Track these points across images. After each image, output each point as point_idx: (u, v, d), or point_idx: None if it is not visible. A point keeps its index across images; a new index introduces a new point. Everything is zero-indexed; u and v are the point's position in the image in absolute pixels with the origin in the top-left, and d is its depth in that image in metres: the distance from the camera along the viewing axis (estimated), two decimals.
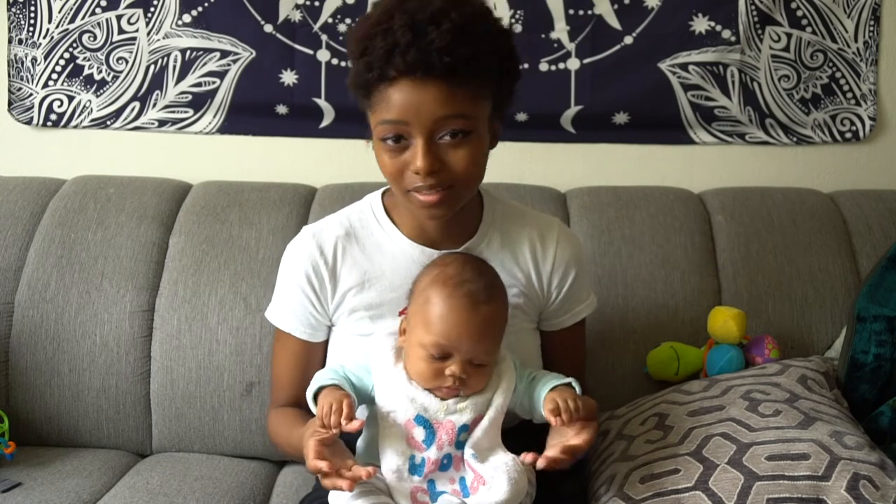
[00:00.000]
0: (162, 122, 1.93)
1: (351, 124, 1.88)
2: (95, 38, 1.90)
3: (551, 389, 1.13)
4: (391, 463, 1.09)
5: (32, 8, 1.90)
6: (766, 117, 1.90)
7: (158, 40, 1.89)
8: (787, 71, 1.89)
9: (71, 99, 1.92)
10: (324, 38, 1.88)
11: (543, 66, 1.88)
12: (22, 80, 1.92)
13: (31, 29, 1.90)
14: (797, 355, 1.50)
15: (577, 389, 1.14)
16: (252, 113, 1.91)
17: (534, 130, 1.90)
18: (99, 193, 1.71)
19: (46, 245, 1.63)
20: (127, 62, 1.90)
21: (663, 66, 1.88)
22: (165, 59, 1.90)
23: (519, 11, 1.87)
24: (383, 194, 1.29)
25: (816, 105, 1.90)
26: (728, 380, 1.36)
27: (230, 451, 1.59)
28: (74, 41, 1.90)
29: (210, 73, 1.90)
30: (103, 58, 1.90)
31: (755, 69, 1.89)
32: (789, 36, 1.88)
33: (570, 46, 1.88)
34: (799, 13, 1.88)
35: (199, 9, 1.87)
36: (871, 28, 1.88)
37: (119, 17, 1.89)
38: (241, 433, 1.57)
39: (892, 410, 1.35)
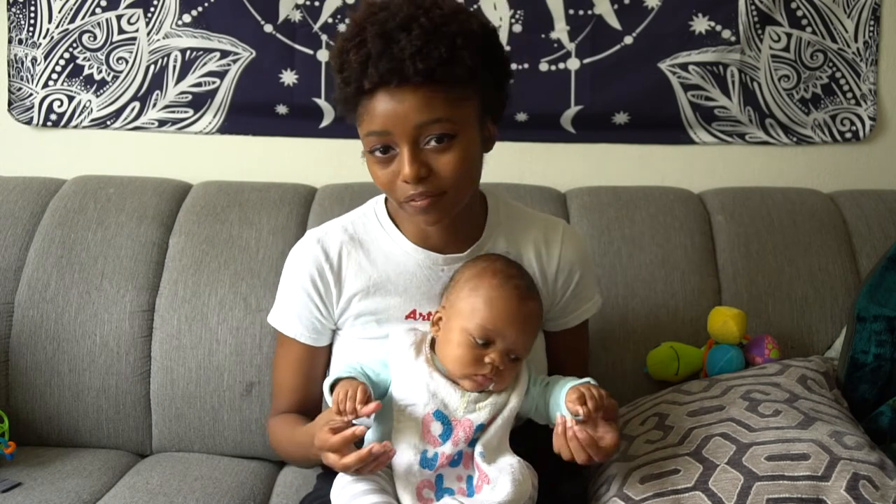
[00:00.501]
0: (162, 122, 1.93)
1: (351, 124, 1.88)
2: (95, 38, 1.90)
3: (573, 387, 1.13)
4: (404, 456, 1.09)
5: (32, 8, 1.90)
6: (766, 117, 1.90)
7: (158, 40, 1.89)
8: (787, 71, 1.89)
9: (71, 99, 1.92)
10: (324, 38, 1.88)
11: (543, 66, 1.88)
12: (22, 80, 1.92)
13: (31, 29, 1.90)
14: (797, 355, 1.50)
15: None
16: (252, 113, 1.91)
17: (534, 130, 1.90)
18: (99, 193, 1.71)
19: (46, 245, 1.63)
20: (127, 62, 1.91)
21: (663, 66, 1.88)
22: (165, 59, 1.90)
23: (519, 11, 1.87)
24: (386, 199, 1.28)
25: (816, 105, 1.90)
26: (728, 380, 1.36)
27: (230, 451, 1.59)
28: (74, 41, 1.90)
29: (210, 73, 1.90)
30: (103, 58, 1.91)
31: (755, 69, 1.89)
32: (789, 36, 1.88)
33: (570, 46, 1.88)
34: (799, 13, 1.88)
35: (199, 9, 1.87)
36: (871, 28, 1.88)
37: (119, 17, 1.89)
38: (241, 433, 1.57)
39: (892, 410, 1.35)
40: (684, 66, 1.88)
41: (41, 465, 1.48)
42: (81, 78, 1.91)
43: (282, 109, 1.91)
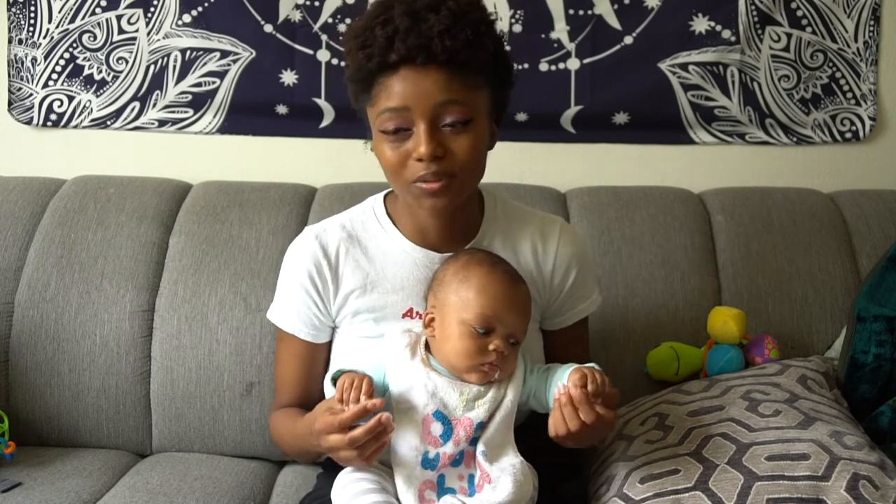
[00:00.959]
0: (162, 122, 1.93)
1: (351, 124, 1.87)
2: (95, 38, 1.90)
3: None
4: (404, 459, 1.09)
5: (32, 8, 1.90)
6: (766, 117, 1.90)
7: (158, 40, 1.89)
8: (787, 71, 1.89)
9: (71, 99, 1.92)
10: (324, 38, 1.88)
11: (543, 66, 1.88)
12: (22, 80, 1.92)
13: (31, 29, 1.90)
14: (797, 355, 1.50)
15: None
16: (252, 113, 1.91)
17: (534, 130, 1.90)
18: (99, 193, 1.71)
19: (46, 245, 1.63)
20: (127, 62, 1.91)
21: (663, 66, 1.88)
22: (165, 59, 1.90)
23: (519, 11, 1.87)
24: (385, 197, 1.29)
25: (816, 105, 1.90)
26: (728, 380, 1.36)
27: (230, 451, 1.59)
28: (74, 41, 1.90)
29: (210, 73, 1.90)
30: (103, 58, 1.91)
31: (755, 69, 1.89)
32: (789, 36, 1.88)
33: (570, 46, 1.88)
34: (799, 13, 1.88)
35: (199, 9, 1.87)
36: (871, 28, 1.88)
37: (119, 17, 1.89)
38: (241, 433, 1.57)
39: (892, 410, 1.35)
40: (684, 66, 1.88)
41: (41, 465, 1.48)
42: (81, 78, 1.91)
43: (282, 109, 1.91)
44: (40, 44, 1.90)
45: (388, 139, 1.12)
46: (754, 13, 1.86)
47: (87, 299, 1.59)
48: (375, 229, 1.25)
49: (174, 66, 1.90)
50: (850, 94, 1.90)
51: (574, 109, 1.89)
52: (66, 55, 1.90)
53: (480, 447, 1.10)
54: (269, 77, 1.89)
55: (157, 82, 1.91)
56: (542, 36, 1.87)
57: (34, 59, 1.91)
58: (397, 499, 1.09)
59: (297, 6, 1.88)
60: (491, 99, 1.16)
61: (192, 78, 1.90)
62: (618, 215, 1.69)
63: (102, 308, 1.59)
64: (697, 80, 1.88)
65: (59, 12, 1.89)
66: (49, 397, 1.58)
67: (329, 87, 1.89)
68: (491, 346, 1.10)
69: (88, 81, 1.91)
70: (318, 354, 1.28)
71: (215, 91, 1.90)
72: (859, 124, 1.91)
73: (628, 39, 1.88)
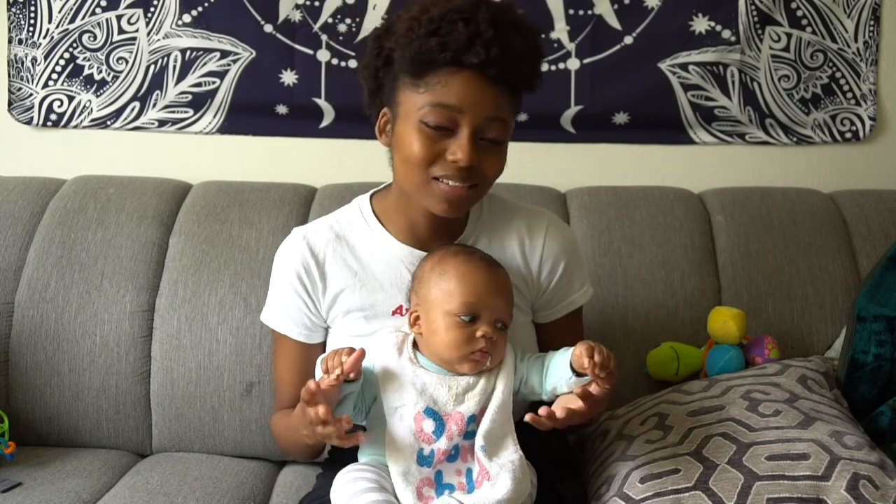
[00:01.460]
0: (162, 122, 1.93)
1: (351, 124, 1.88)
2: (95, 38, 1.90)
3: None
4: (399, 458, 1.09)
5: (32, 8, 1.90)
6: (766, 117, 1.90)
7: (158, 40, 1.89)
8: (787, 71, 1.89)
9: (71, 99, 1.92)
10: (324, 38, 1.88)
11: (543, 66, 1.87)
12: (22, 80, 1.92)
13: (31, 29, 1.90)
14: (797, 355, 1.50)
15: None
16: (252, 113, 1.91)
17: (534, 130, 1.90)
18: (99, 193, 1.71)
19: (46, 245, 1.63)
20: (127, 62, 1.91)
21: (663, 66, 1.88)
22: (165, 59, 1.90)
23: (519, 12, 1.86)
24: (371, 197, 1.29)
25: (816, 105, 1.90)
26: (728, 380, 1.36)
27: (230, 451, 1.59)
28: (74, 41, 1.90)
29: (210, 73, 1.90)
30: (103, 58, 1.91)
31: (755, 69, 1.89)
32: (789, 36, 1.88)
33: (570, 46, 1.88)
34: (799, 13, 1.88)
35: (199, 9, 1.87)
36: (871, 28, 1.88)
37: (119, 17, 1.89)
38: (241, 433, 1.57)
39: (892, 410, 1.35)
40: (684, 66, 1.88)
41: (41, 465, 1.48)
42: (81, 78, 1.91)
43: (282, 109, 1.91)
44: (40, 44, 1.90)
45: (424, 131, 1.12)
46: (754, 13, 1.86)
47: (87, 299, 1.59)
48: (362, 228, 1.26)
49: (174, 66, 1.90)
50: (850, 94, 1.90)
51: (574, 109, 1.89)
52: (66, 55, 1.90)
53: (480, 442, 1.09)
54: (269, 77, 1.89)
55: (157, 82, 1.91)
56: (542, 36, 1.86)
57: (34, 59, 1.91)
58: (396, 497, 1.09)
59: (297, 6, 1.88)
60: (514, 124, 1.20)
61: (192, 78, 1.90)
62: (617, 215, 1.69)
63: (102, 308, 1.59)
64: (697, 80, 1.88)
65: (59, 12, 1.89)
66: (49, 397, 1.58)
67: (329, 87, 1.89)
68: (479, 333, 1.11)
69: (88, 81, 1.91)
70: (313, 355, 1.28)
71: (215, 91, 1.90)
72: (859, 124, 1.91)
73: (628, 39, 1.88)
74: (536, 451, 1.16)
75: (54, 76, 1.91)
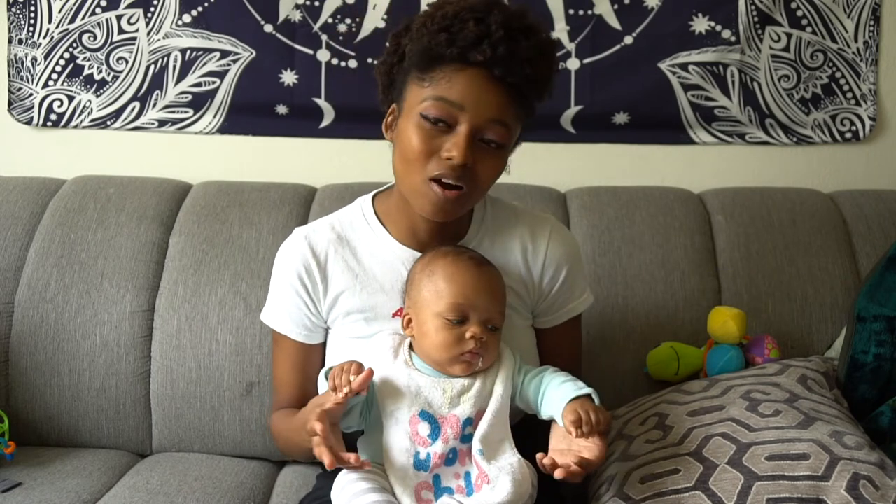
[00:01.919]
0: (162, 122, 1.93)
1: (351, 124, 1.88)
2: (95, 38, 1.90)
3: (572, 400, 1.10)
4: (396, 461, 1.09)
5: (32, 8, 1.90)
6: (766, 117, 1.90)
7: (158, 40, 1.89)
8: (787, 71, 1.89)
9: (71, 99, 1.92)
10: (324, 38, 1.88)
11: None
12: (22, 80, 1.92)
13: (31, 29, 1.90)
14: (797, 355, 1.50)
15: (596, 401, 1.12)
16: (252, 113, 1.91)
17: (534, 130, 1.89)
18: (99, 193, 1.71)
19: (46, 245, 1.63)
20: (127, 62, 1.91)
21: (663, 66, 1.88)
22: (165, 59, 1.90)
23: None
24: (374, 198, 1.29)
25: (816, 105, 1.90)
26: (728, 380, 1.36)
27: (230, 451, 1.59)
28: (74, 41, 1.90)
29: (210, 73, 1.90)
30: (103, 58, 1.91)
31: (755, 69, 1.89)
32: (789, 36, 1.88)
33: (570, 46, 1.88)
34: (799, 13, 1.88)
35: (199, 9, 1.87)
36: (871, 28, 1.88)
37: (119, 17, 1.89)
38: (241, 433, 1.57)
39: (892, 410, 1.35)
40: (684, 66, 1.88)
41: (41, 465, 1.48)
42: (81, 78, 1.91)
43: (282, 109, 1.91)
44: (40, 44, 1.90)
45: (423, 125, 1.12)
46: (754, 13, 1.86)
47: (87, 299, 1.59)
48: (364, 230, 1.26)
49: (174, 66, 1.90)
50: (850, 94, 1.90)
51: (574, 109, 1.89)
52: (66, 55, 1.91)
53: (477, 445, 1.09)
54: (269, 77, 1.89)
55: (157, 82, 1.91)
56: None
57: (34, 59, 1.91)
58: (396, 499, 1.09)
59: (297, 6, 1.88)
60: (519, 132, 1.19)
61: (192, 78, 1.90)
62: (617, 215, 1.69)
63: (102, 308, 1.59)
64: (697, 80, 1.88)
65: (59, 12, 1.89)
66: (49, 397, 1.58)
67: (329, 87, 1.89)
68: (468, 334, 1.10)
69: (88, 81, 1.91)
70: (313, 355, 1.28)
71: (215, 91, 1.90)
72: (859, 124, 1.91)
73: (628, 39, 1.88)
74: (538, 447, 1.15)
75: (54, 76, 1.91)
